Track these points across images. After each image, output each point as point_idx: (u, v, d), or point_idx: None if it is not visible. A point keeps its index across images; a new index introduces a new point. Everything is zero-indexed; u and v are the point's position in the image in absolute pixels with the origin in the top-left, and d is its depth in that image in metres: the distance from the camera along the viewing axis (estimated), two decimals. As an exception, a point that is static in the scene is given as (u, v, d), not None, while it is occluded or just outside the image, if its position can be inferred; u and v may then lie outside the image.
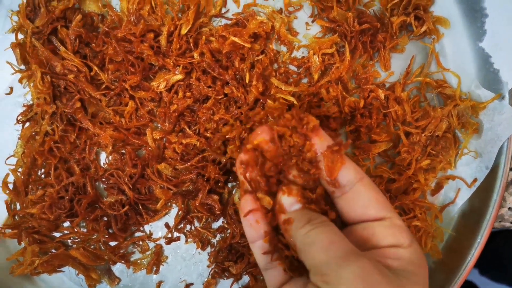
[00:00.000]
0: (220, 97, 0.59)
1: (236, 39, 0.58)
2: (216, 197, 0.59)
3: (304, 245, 0.39)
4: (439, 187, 0.63)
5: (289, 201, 0.42)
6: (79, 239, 0.62)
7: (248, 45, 0.58)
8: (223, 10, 0.63)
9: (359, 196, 0.41)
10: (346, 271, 0.34)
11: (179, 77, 0.59)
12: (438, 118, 0.60)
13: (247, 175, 0.44)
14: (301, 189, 0.43)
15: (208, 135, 0.59)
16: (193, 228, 0.62)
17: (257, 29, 0.60)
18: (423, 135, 0.61)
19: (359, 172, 0.42)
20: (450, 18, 0.62)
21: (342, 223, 0.43)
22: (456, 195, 0.62)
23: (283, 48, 0.63)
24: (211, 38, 0.60)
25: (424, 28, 0.61)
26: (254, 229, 0.44)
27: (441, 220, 0.62)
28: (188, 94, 0.60)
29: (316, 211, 0.42)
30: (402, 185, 0.61)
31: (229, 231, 0.62)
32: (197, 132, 0.60)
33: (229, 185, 0.62)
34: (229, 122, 0.58)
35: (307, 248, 0.38)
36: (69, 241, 0.62)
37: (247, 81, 0.59)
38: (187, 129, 0.60)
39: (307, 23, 0.63)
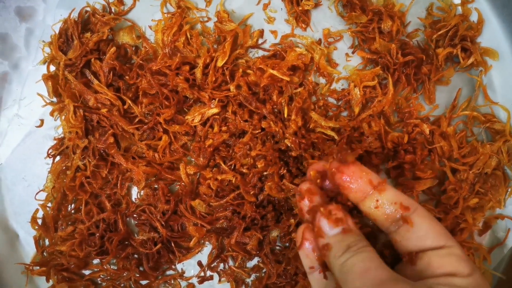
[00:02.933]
0: (257, 131, 0.57)
1: (274, 72, 0.55)
2: (253, 234, 0.57)
3: (341, 273, 0.38)
4: (487, 226, 0.59)
5: (328, 225, 0.41)
6: (109, 278, 0.59)
7: (287, 78, 0.56)
8: (260, 41, 0.61)
9: (415, 227, 0.40)
10: None
11: (215, 110, 0.57)
12: (487, 155, 0.57)
13: (305, 203, 0.43)
14: (344, 213, 0.41)
15: (244, 171, 0.57)
16: (227, 267, 0.60)
17: (295, 61, 0.57)
18: (470, 172, 0.57)
19: (411, 203, 0.41)
20: (499, 50, 0.59)
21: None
22: (506, 235, 0.59)
23: (322, 80, 0.60)
24: (249, 71, 0.58)
25: (471, 60, 0.58)
26: (310, 259, 0.43)
27: (489, 262, 0.58)
28: (224, 128, 0.57)
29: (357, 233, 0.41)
30: (448, 225, 0.57)
31: (264, 270, 0.59)
32: (232, 167, 0.58)
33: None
34: (266, 158, 0.56)
35: (344, 277, 0.38)
36: (99, 279, 0.60)
37: (285, 115, 0.57)
38: (223, 164, 0.58)
39: (347, 54, 0.60)
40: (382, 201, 0.42)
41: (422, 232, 0.40)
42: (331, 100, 0.60)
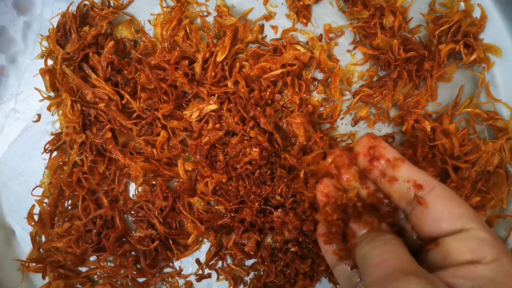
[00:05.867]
0: (246, 138, 0.56)
1: (268, 75, 0.56)
2: (251, 235, 0.56)
3: (361, 265, 0.37)
4: (489, 225, 0.58)
5: (357, 226, 0.41)
6: (106, 275, 0.59)
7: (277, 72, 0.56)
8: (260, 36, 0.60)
9: (430, 208, 0.37)
10: None
11: (214, 107, 0.56)
12: (489, 152, 0.56)
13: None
14: (370, 219, 0.41)
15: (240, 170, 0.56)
16: (225, 265, 0.59)
17: (292, 60, 0.56)
18: (473, 170, 0.57)
19: (427, 181, 0.38)
20: (502, 46, 0.58)
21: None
22: (508, 234, 0.58)
23: (321, 76, 0.59)
24: (244, 63, 0.57)
25: (473, 57, 0.57)
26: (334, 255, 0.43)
27: (491, 261, 0.58)
28: (217, 125, 0.57)
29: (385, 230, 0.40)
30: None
31: (263, 268, 0.58)
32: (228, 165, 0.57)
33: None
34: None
35: (363, 268, 0.37)
36: (96, 276, 0.59)
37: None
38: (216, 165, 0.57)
39: (348, 50, 0.60)
40: (395, 178, 0.40)
41: (437, 214, 0.37)
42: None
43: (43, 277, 0.58)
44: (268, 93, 0.57)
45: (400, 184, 0.40)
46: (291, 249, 0.55)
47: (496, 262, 0.34)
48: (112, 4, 0.60)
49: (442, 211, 0.37)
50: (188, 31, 0.58)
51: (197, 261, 0.59)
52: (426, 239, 0.39)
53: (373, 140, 0.43)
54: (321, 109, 0.59)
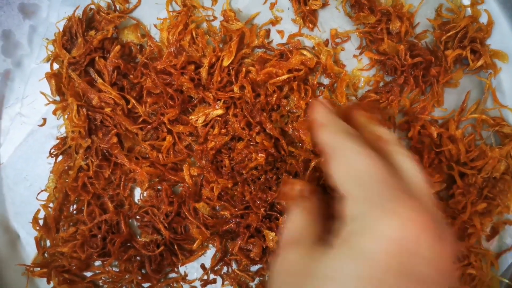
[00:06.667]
0: (252, 143, 0.56)
1: (275, 80, 0.55)
2: (257, 241, 0.56)
3: None
4: (495, 232, 0.58)
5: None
6: (110, 280, 0.58)
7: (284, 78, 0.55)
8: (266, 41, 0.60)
9: (329, 170, 0.37)
10: None
11: (220, 112, 0.56)
12: (496, 159, 0.56)
13: None
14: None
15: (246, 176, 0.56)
16: (230, 270, 0.59)
17: (298, 65, 0.56)
18: (479, 176, 0.57)
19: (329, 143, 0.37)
20: (509, 52, 0.58)
21: None
22: (515, 241, 0.58)
23: (327, 81, 0.59)
24: (251, 68, 0.57)
25: (480, 62, 0.57)
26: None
27: (497, 267, 0.58)
28: (223, 131, 0.56)
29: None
30: (456, 230, 0.56)
31: (268, 274, 0.58)
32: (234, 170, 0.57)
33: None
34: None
35: None
36: (101, 281, 0.59)
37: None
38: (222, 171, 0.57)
39: (355, 55, 0.60)
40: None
41: (331, 177, 0.37)
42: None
43: (48, 282, 0.57)
44: (274, 99, 0.56)
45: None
46: None
47: (357, 211, 0.33)
48: (118, 8, 0.60)
49: (330, 173, 0.37)
50: (194, 35, 0.58)
51: (202, 266, 0.59)
52: None
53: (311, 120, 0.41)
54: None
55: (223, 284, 0.59)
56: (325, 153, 0.37)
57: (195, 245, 0.58)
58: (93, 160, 0.56)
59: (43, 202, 0.58)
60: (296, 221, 0.39)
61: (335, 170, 0.36)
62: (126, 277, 0.58)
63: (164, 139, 0.57)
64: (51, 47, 0.59)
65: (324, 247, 0.34)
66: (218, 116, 0.57)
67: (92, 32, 0.57)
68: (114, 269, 0.58)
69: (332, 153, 0.36)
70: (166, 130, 0.57)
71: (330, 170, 0.36)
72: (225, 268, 0.59)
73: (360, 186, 0.34)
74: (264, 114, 0.56)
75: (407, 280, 0.30)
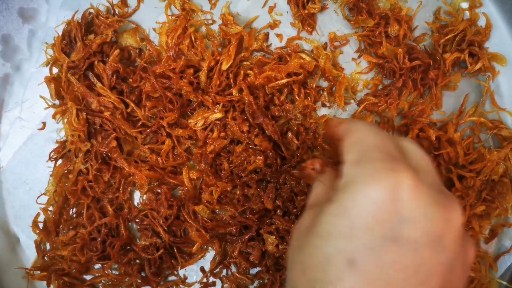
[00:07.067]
0: (251, 146, 0.56)
1: (274, 84, 0.55)
2: (256, 244, 0.56)
3: None
4: (493, 234, 0.59)
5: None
6: (110, 283, 0.59)
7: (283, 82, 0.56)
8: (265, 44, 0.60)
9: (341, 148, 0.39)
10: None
11: (219, 115, 0.56)
12: (494, 161, 0.57)
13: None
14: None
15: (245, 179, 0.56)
16: (230, 273, 0.59)
17: (297, 68, 0.56)
18: (477, 179, 0.57)
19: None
20: (507, 55, 0.58)
21: None
22: (513, 244, 0.58)
23: (325, 84, 0.59)
24: (249, 72, 0.57)
25: (478, 65, 0.58)
26: None
27: (495, 270, 0.58)
28: (222, 134, 0.57)
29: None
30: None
31: (268, 277, 0.58)
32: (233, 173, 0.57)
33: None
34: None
35: None
36: (100, 284, 0.59)
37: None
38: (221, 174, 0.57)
39: (353, 59, 0.60)
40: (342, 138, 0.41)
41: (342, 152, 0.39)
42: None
43: (48, 285, 0.57)
44: (276, 99, 0.57)
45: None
46: None
47: (345, 174, 0.34)
48: (117, 12, 0.60)
49: (341, 149, 0.38)
50: (193, 39, 0.58)
51: (202, 269, 0.59)
52: None
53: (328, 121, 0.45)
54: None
55: (222, 287, 0.59)
56: (341, 136, 0.39)
57: (194, 248, 0.58)
58: (92, 163, 0.56)
59: (42, 206, 0.58)
60: (315, 190, 0.41)
61: (345, 144, 0.37)
62: (126, 280, 0.58)
63: (163, 143, 0.57)
64: (50, 51, 0.59)
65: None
66: (217, 119, 0.57)
67: (91, 36, 0.57)
68: (113, 272, 0.58)
69: (346, 133, 0.38)
70: (165, 133, 0.57)
71: (342, 148, 0.37)
72: (224, 271, 0.59)
73: (360, 151, 0.35)
74: (268, 115, 0.56)
75: (391, 242, 0.30)
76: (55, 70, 0.59)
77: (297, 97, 0.57)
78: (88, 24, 0.59)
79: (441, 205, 0.32)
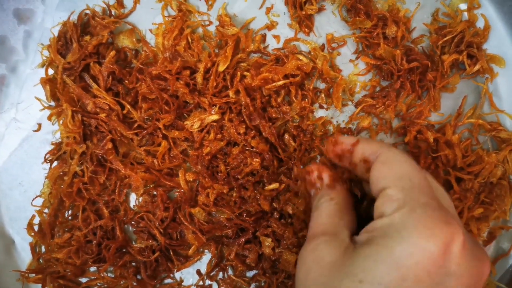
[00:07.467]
0: (248, 148, 0.56)
1: (271, 86, 0.55)
2: (253, 247, 0.55)
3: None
4: (492, 237, 0.58)
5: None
6: (106, 286, 0.58)
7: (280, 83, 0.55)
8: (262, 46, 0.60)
9: (370, 176, 0.39)
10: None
11: (215, 117, 0.56)
12: (493, 164, 0.56)
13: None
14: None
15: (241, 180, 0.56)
16: (226, 276, 0.58)
17: (294, 70, 0.56)
18: (476, 181, 0.56)
19: (374, 151, 0.39)
20: (505, 57, 0.58)
21: None
22: (511, 246, 0.57)
23: (323, 86, 0.59)
24: (246, 73, 0.57)
25: (477, 67, 0.57)
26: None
27: (494, 273, 0.57)
28: (218, 136, 0.56)
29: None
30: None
31: (264, 280, 0.58)
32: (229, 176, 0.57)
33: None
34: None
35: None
36: (96, 287, 0.59)
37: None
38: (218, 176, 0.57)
39: (351, 60, 0.59)
40: (354, 162, 0.42)
41: (371, 180, 0.38)
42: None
43: (43, 288, 0.57)
44: (273, 101, 0.56)
45: (358, 166, 0.41)
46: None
47: (394, 214, 0.34)
48: (113, 13, 0.60)
49: (373, 176, 0.38)
50: (190, 40, 0.58)
51: (198, 272, 0.59)
52: None
53: (333, 140, 0.44)
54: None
55: (219, 289, 0.59)
56: (368, 160, 0.39)
57: (190, 251, 0.57)
58: (88, 165, 0.56)
59: (38, 208, 0.58)
60: (325, 211, 0.41)
61: (376, 169, 0.37)
62: (122, 283, 0.58)
63: (159, 145, 0.57)
64: (46, 53, 0.59)
65: (355, 242, 0.36)
66: (214, 121, 0.56)
67: (87, 37, 0.57)
68: (109, 275, 0.58)
69: (381, 160, 0.38)
70: (161, 135, 0.57)
71: (371, 172, 0.38)
72: (221, 274, 0.59)
73: (399, 187, 0.35)
74: (265, 117, 0.56)
75: None
76: (50, 72, 0.58)
77: (294, 99, 0.57)
78: (84, 25, 0.59)
79: (479, 260, 0.33)
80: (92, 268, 0.58)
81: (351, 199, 0.44)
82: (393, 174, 0.37)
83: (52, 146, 0.59)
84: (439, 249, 0.31)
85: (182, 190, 0.58)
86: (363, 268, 0.32)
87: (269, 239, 0.54)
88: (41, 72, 0.58)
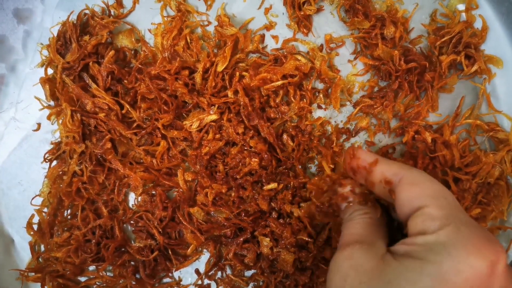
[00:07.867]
0: (246, 148, 0.56)
1: (269, 86, 0.55)
2: (251, 247, 0.56)
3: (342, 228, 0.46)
4: (489, 237, 0.58)
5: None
6: (105, 285, 0.59)
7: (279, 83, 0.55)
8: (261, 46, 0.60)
9: (397, 197, 0.40)
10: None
11: (214, 117, 0.56)
12: (490, 164, 0.56)
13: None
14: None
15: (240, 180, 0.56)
16: (224, 275, 0.59)
17: (292, 70, 0.56)
18: (473, 182, 0.56)
19: (396, 172, 0.41)
20: (503, 57, 0.58)
21: None
22: (509, 246, 0.57)
23: (321, 86, 0.59)
24: (244, 73, 0.57)
25: (475, 68, 0.57)
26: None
27: (491, 273, 0.57)
28: (217, 136, 0.56)
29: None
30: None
31: (263, 279, 0.58)
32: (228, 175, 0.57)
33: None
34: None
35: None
36: (95, 286, 0.59)
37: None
38: (216, 176, 0.57)
39: (349, 61, 0.59)
40: (372, 182, 0.43)
41: (401, 201, 0.39)
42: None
43: (42, 287, 0.57)
44: (271, 101, 0.57)
45: (377, 186, 0.43)
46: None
47: (440, 231, 0.35)
48: (112, 13, 0.60)
49: (403, 197, 0.39)
50: (189, 40, 0.58)
51: (197, 271, 0.59)
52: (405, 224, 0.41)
53: (351, 152, 0.46)
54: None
55: (217, 289, 0.59)
56: (390, 181, 0.41)
57: (189, 250, 0.58)
58: (87, 165, 0.56)
59: (37, 207, 0.58)
60: (360, 222, 0.42)
61: (406, 190, 0.39)
62: (120, 282, 0.58)
63: (158, 144, 0.57)
64: (45, 52, 0.59)
65: (392, 252, 0.37)
66: (212, 121, 0.57)
67: (86, 37, 0.57)
68: (108, 274, 0.58)
69: (399, 178, 0.40)
70: (160, 135, 0.57)
71: (400, 193, 0.39)
72: (219, 273, 0.59)
73: (437, 205, 0.37)
74: (264, 117, 0.56)
75: None
76: (50, 71, 0.58)
77: (292, 99, 0.57)
78: (83, 25, 0.59)
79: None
80: (91, 267, 0.59)
81: (384, 216, 0.45)
82: (427, 194, 0.38)
83: (52, 146, 0.59)
84: (488, 268, 0.32)
85: (181, 190, 0.58)
86: (408, 279, 0.33)
87: (267, 239, 0.55)
88: (41, 72, 0.59)
